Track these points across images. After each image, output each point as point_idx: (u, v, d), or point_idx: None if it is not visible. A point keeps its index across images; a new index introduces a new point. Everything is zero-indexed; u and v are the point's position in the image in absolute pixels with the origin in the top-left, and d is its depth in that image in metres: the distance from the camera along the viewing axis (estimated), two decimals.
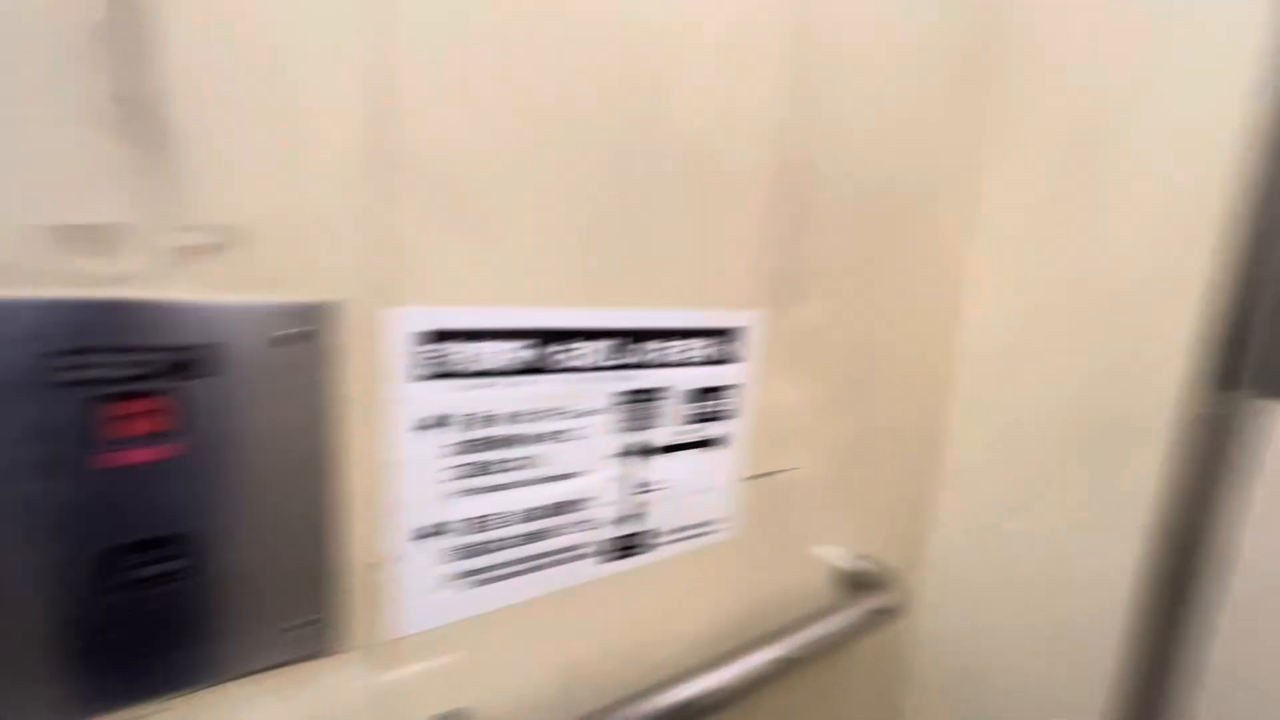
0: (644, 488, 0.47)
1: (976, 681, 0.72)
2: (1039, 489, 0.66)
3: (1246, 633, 0.56)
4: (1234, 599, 0.56)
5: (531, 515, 0.42)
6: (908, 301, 0.63)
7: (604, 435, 0.44)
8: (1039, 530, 0.66)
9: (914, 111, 0.58)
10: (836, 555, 0.64)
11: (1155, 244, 0.56)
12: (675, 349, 0.46)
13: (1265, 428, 0.53)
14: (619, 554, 0.47)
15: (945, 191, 0.64)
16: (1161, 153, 0.55)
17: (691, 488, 0.50)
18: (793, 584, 0.61)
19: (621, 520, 0.46)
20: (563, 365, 0.41)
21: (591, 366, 0.42)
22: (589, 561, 0.45)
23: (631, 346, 0.44)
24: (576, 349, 0.41)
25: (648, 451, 0.47)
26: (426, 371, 0.35)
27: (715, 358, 0.49)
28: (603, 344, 0.42)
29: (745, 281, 0.50)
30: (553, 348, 0.40)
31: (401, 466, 0.36)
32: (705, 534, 0.52)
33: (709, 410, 0.49)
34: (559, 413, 0.41)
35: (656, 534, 0.49)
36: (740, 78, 0.45)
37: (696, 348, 0.47)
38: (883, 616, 0.60)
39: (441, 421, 0.37)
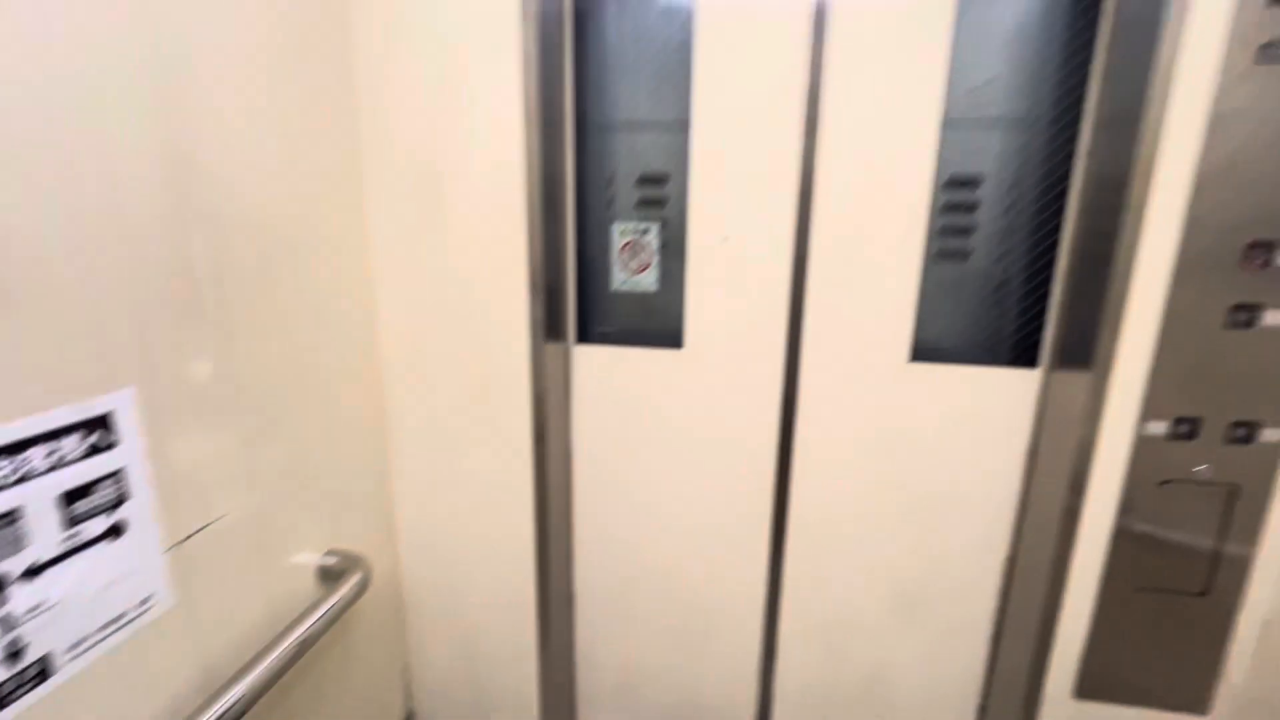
0: (18, 620, 0.43)
1: (458, 609, 0.93)
2: (459, 450, 0.86)
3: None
4: (579, 484, 0.90)
5: None
6: (326, 330, 0.73)
7: None
8: (468, 481, 0.87)
9: (295, 186, 0.66)
10: (308, 559, 0.73)
11: (488, 246, 0.78)
12: (25, 461, 0.42)
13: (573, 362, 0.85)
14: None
15: (334, 234, 0.74)
16: (481, 179, 0.76)
17: (91, 591, 0.48)
18: (279, 595, 0.68)
19: None
20: None
21: None
22: None
23: None
24: None
25: (9, 583, 0.42)
26: None
27: (84, 453, 0.46)
28: None
29: (105, 364, 0.48)
30: None
31: None
32: (129, 622, 0.51)
33: (89, 508, 0.47)
34: None
35: (52, 658, 0.45)
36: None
37: (57, 450, 0.44)
38: (356, 590, 0.72)
39: None
